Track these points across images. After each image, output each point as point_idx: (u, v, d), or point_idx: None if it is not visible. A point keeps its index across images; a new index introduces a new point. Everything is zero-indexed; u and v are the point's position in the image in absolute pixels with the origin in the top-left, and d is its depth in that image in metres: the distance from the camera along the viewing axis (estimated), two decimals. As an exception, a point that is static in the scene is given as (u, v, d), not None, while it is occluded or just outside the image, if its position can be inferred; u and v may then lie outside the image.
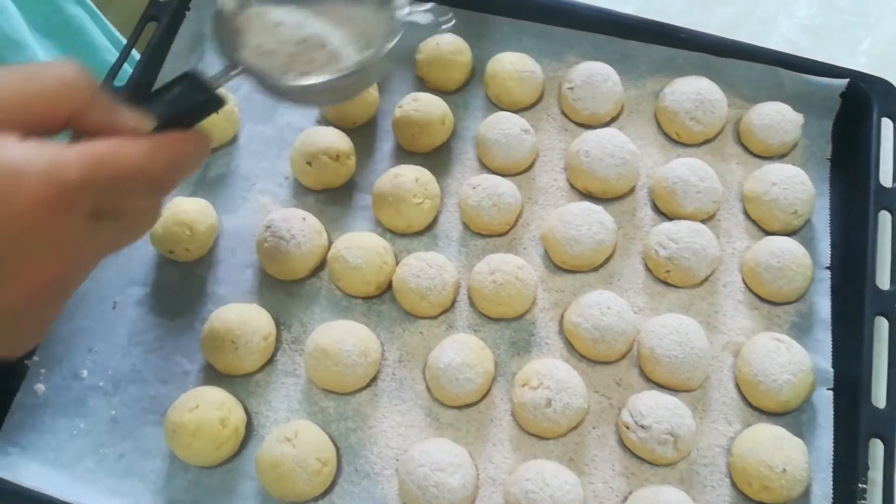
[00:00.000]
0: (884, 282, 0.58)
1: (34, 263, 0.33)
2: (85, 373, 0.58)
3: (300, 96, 0.52)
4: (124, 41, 0.90)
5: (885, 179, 0.62)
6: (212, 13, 0.50)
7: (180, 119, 0.41)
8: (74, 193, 0.33)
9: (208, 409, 0.53)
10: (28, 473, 0.54)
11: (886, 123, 0.65)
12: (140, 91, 0.43)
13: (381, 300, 0.61)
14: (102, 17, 0.88)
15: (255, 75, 0.48)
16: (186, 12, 0.71)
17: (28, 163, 0.32)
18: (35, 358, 0.58)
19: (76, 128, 0.36)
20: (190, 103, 0.42)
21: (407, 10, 0.51)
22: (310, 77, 0.48)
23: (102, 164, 0.34)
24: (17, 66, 0.35)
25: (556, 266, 0.62)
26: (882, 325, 0.57)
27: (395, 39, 0.50)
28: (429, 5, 0.52)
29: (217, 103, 0.44)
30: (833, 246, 0.63)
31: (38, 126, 0.34)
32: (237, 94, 0.69)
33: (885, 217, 0.61)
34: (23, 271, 0.33)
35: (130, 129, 0.37)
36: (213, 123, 0.64)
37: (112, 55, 0.85)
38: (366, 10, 0.51)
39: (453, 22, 0.53)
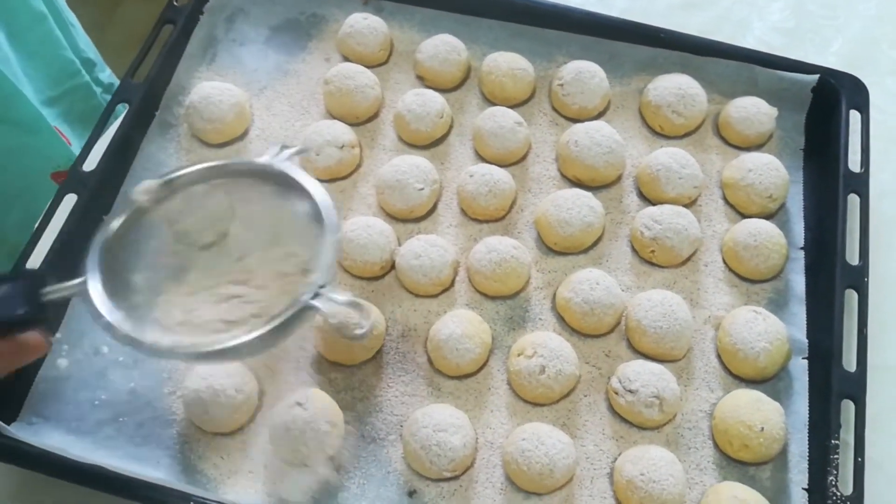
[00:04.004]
0: (853, 258, 0.63)
1: None
2: (105, 349, 0.62)
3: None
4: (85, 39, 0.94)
5: (854, 166, 0.67)
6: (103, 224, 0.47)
7: None
8: None
9: (223, 377, 0.57)
10: (52, 440, 0.57)
11: (854, 115, 0.70)
12: None
13: (384, 280, 0.65)
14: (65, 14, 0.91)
15: (93, 314, 0.43)
16: (200, 16, 0.75)
17: None
18: (58, 335, 0.62)
19: None
20: (4, 312, 0.38)
21: (313, 293, 0.43)
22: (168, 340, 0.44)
23: None
24: None
25: (549, 248, 0.66)
26: (852, 297, 0.61)
27: (285, 318, 0.43)
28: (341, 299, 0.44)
29: (38, 321, 0.39)
30: (807, 228, 0.68)
31: None
32: (250, 88, 0.73)
33: (853, 199, 0.66)
34: None
35: None
36: (225, 119, 0.69)
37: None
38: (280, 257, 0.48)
39: (364, 332, 0.45)
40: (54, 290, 0.41)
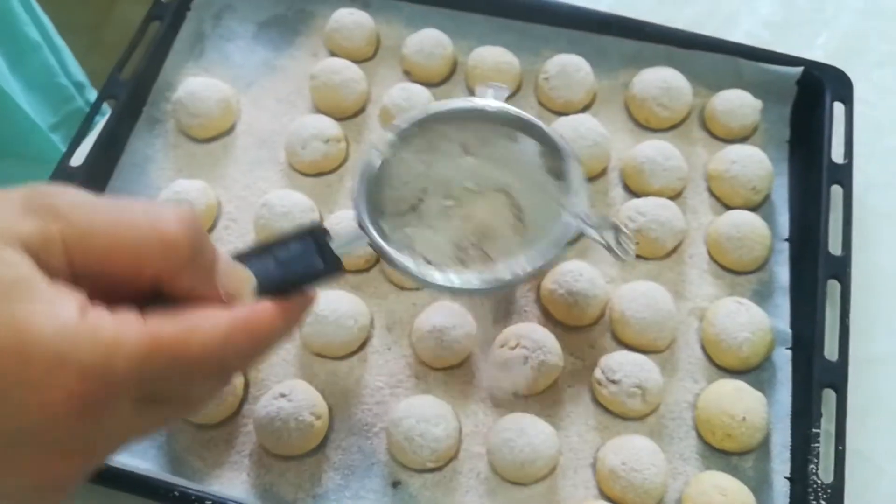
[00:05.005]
0: (836, 248, 0.63)
1: (46, 459, 0.29)
2: (92, 342, 0.62)
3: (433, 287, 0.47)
4: (44, 18, 0.95)
5: (837, 157, 0.67)
6: (360, 164, 0.48)
7: (288, 284, 0.37)
8: (119, 387, 0.29)
9: (209, 368, 0.57)
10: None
11: (838, 107, 0.70)
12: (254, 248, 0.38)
13: (369, 273, 0.65)
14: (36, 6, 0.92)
15: (384, 254, 0.45)
16: (187, 12, 0.76)
17: (76, 349, 0.27)
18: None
19: (163, 289, 0.32)
20: (305, 269, 0.37)
21: (580, 219, 0.47)
22: (453, 275, 0.45)
23: (163, 352, 0.29)
24: (119, 204, 0.31)
25: (534, 240, 0.67)
26: (835, 288, 0.61)
27: (557, 252, 0.47)
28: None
29: (337, 273, 0.39)
30: (791, 219, 0.68)
31: (120, 281, 0.30)
32: (237, 84, 0.74)
33: (836, 190, 0.66)
34: (28, 466, 0.29)
35: (224, 295, 0.34)
36: (212, 115, 0.69)
37: (30, 28, 0.87)
38: (541, 191, 0.50)
39: (633, 257, 0.50)
40: (342, 243, 0.41)
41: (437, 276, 0.45)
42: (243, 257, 0.37)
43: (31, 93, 0.87)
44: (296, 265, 0.37)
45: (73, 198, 0.30)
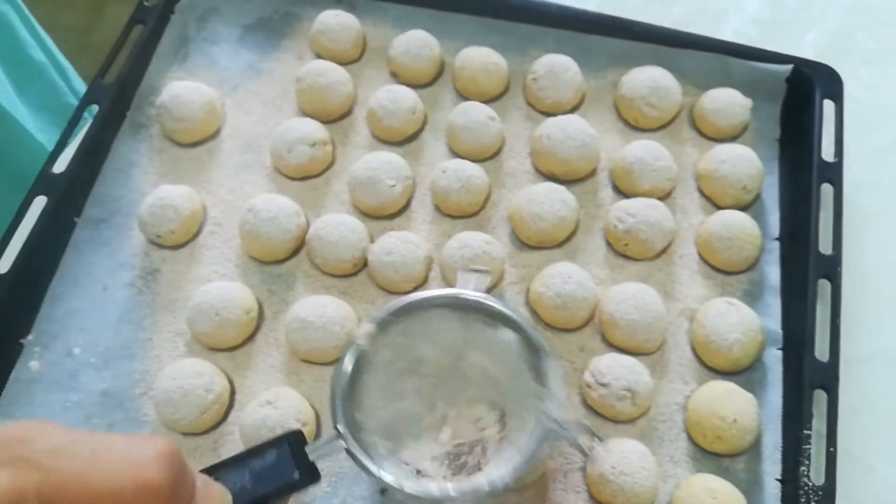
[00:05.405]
0: (826, 248, 0.62)
1: None
2: (77, 350, 0.61)
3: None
4: (47, 38, 0.94)
5: (827, 155, 0.67)
6: (338, 364, 0.48)
7: (263, 497, 0.37)
8: None
9: (193, 376, 0.56)
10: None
11: (828, 105, 0.69)
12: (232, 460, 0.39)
13: (357, 278, 0.65)
14: (28, 14, 0.91)
15: (360, 463, 0.44)
16: (171, 16, 0.75)
17: None
18: (30, 337, 0.62)
19: None
20: (280, 481, 0.38)
21: (558, 425, 0.45)
22: (433, 487, 0.44)
23: None
24: (96, 446, 0.31)
25: (523, 243, 0.66)
26: (825, 287, 0.61)
27: (535, 461, 0.45)
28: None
29: (311, 481, 0.40)
30: (782, 218, 0.67)
31: None
32: (222, 87, 0.73)
33: (827, 189, 0.65)
34: None
35: None
36: (196, 119, 0.69)
37: (35, 50, 0.88)
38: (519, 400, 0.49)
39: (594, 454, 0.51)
40: (317, 450, 0.41)
41: (413, 487, 0.44)
42: (220, 470, 0.37)
43: (40, 115, 0.86)
44: (271, 476, 0.38)
45: (48, 443, 0.30)
